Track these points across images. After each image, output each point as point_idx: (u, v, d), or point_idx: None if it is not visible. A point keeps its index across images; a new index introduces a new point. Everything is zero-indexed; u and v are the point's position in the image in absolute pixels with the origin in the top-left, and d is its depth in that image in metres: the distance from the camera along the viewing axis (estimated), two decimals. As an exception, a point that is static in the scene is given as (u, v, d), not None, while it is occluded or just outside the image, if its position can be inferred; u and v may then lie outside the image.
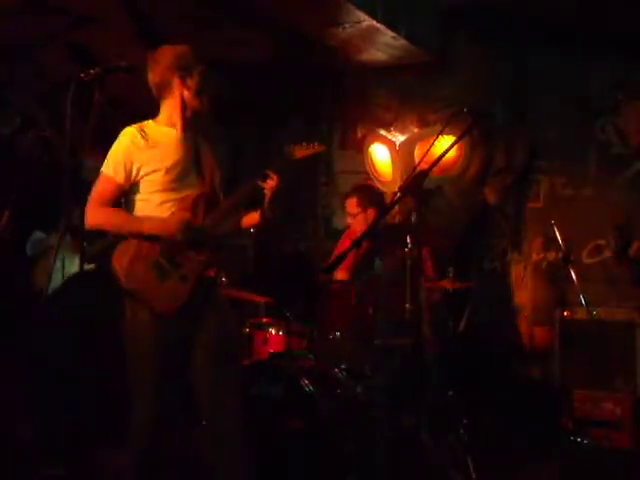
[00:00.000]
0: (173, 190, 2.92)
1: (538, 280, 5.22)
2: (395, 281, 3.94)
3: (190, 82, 2.95)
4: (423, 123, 5.74)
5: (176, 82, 2.95)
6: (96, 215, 2.87)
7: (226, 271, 4.35)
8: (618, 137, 5.04)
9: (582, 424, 4.38)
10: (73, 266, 4.37)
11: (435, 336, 4.34)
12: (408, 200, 3.71)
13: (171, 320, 2.86)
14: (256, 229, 3.14)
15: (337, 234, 5.26)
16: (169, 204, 2.92)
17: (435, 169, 3.17)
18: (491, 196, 5.42)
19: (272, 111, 6.25)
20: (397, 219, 4.82)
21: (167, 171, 2.90)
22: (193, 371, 2.94)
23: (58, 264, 4.27)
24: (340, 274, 4.49)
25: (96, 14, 4.72)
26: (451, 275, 4.29)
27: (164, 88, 2.96)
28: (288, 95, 6.10)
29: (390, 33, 4.96)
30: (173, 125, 2.98)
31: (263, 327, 4.35)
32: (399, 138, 5.82)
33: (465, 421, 4.04)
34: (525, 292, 5.26)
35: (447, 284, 4.33)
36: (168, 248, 2.87)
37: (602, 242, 4.96)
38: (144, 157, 2.89)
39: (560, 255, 4.62)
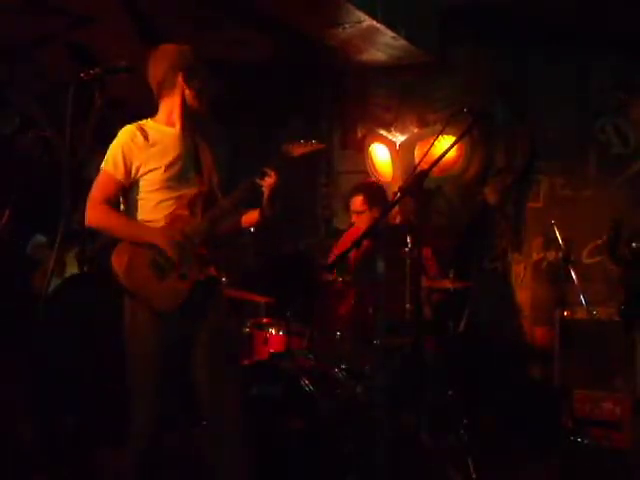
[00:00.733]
0: (172, 188, 2.92)
1: (538, 280, 5.22)
2: (395, 281, 3.94)
3: (193, 82, 2.95)
4: (423, 123, 5.74)
5: (179, 81, 2.95)
6: (97, 214, 2.87)
7: (226, 270, 4.35)
8: (618, 137, 5.04)
9: (582, 424, 4.38)
10: (74, 270, 4.36)
11: (435, 336, 4.34)
12: (408, 200, 3.71)
13: (171, 319, 2.86)
14: (256, 228, 3.14)
15: (337, 234, 5.26)
16: (168, 202, 2.92)
17: (435, 169, 3.17)
18: (491, 196, 5.42)
19: (272, 111, 6.25)
20: (397, 219, 4.81)
21: (166, 169, 2.90)
22: (193, 370, 2.94)
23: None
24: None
25: (96, 14, 4.72)
26: (451, 275, 4.29)
27: (165, 87, 2.96)
28: (288, 95, 6.10)
29: (390, 33, 4.95)
30: (172, 124, 2.98)
31: (263, 327, 4.35)
32: (399, 138, 5.82)
33: (465, 421, 4.04)
34: (525, 292, 5.26)
35: (447, 284, 4.33)
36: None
37: (602, 242, 4.96)
38: (143, 155, 2.89)
39: (560, 255, 4.61)
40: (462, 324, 4.92)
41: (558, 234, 4.53)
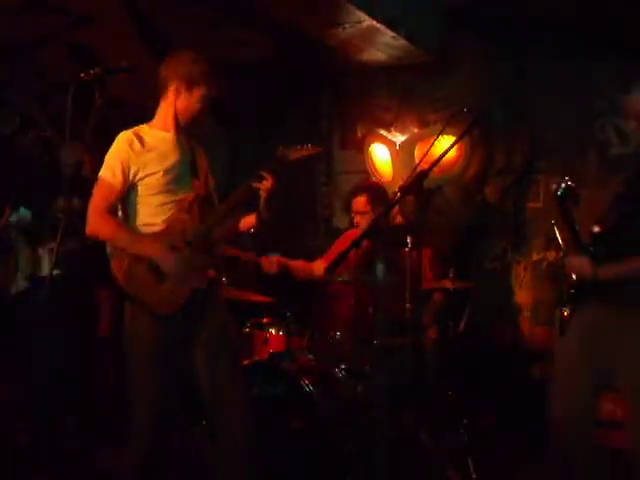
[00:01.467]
0: (170, 192, 2.93)
1: (538, 280, 5.22)
2: (395, 281, 3.93)
3: (185, 95, 2.94)
4: (423, 123, 5.73)
5: (172, 90, 2.95)
6: (98, 224, 2.87)
7: (226, 271, 4.35)
8: (618, 137, 5.04)
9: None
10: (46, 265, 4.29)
11: (435, 336, 4.34)
12: (408, 200, 3.71)
13: (171, 321, 2.86)
14: (255, 230, 3.14)
15: (337, 234, 5.25)
16: (167, 206, 2.93)
17: (435, 169, 3.17)
18: (491, 196, 5.42)
19: (272, 111, 6.25)
20: (397, 219, 4.81)
21: (164, 174, 2.91)
22: (194, 371, 2.94)
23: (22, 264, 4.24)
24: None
25: (96, 14, 4.72)
26: (451, 275, 4.29)
27: (162, 91, 2.98)
28: (288, 95, 6.10)
29: (390, 33, 4.96)
30: (167, 129, 2.99)
31: (263, 327, 4.35)
32: (399, 138, 5.82)
33: (465, 421, 4.04)
34: (525, 292, 5.26)
35: (447, 284, 4.33)
36: None
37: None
38: (141, 160, 2.89)
39: (560, 255, 4.61)
40: (462, 324, 4.92)
41: (558, 234, 4.53)
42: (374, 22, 4.78)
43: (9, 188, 4.51)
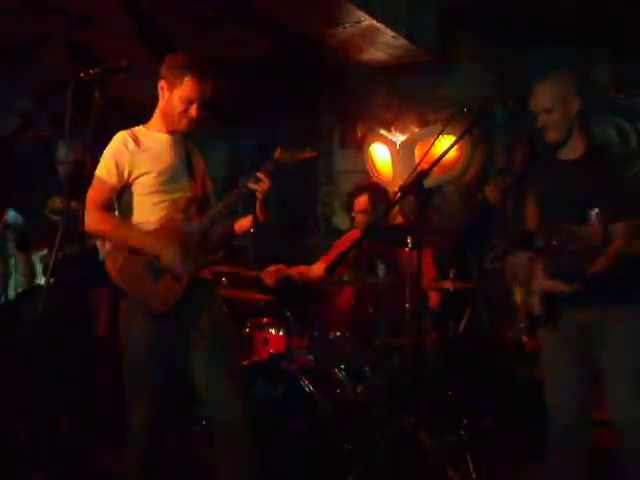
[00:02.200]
0: (165, 192, 2.94)
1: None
2: (395, 281, 3.93)
3: (168, 96, 2.94)
4: (423, 123, 5.73)
5: (160, 91, 2.97)
6: (94, 220, 2.87)
7: (226, 271, 4.36)
8: (618, 137, 5.04)
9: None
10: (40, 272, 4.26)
11: (435, 336, 4.34)
12: (408, 200, 3.71)
13: (166, 320, 2.86)
14: (254, 231, 3.14)
15: (337, 233, 5.25)
16: (162, 205, 2.93)
17: (435, 169, 3.17)
18: (491, 196, 5.41)
19: (272, 111, 6.25)
20: (397, 219, 4.81)
21: (159, 173, 2.92)
22: (192, 372, 2.94)
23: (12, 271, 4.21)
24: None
25: (96, 14, 4.72)
26: (451, 275, 4.29)
27: (159, 93, 2.99)
28: (288, 95, 6.10)
29: (390, 33, 4.96)
30: (162, 130, 3.01)
31: (263, 327, 4.35)
32: (399, 138, 5.82)
33: (465, 421, 4.04)
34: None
35: (447, 284, 4.33)
36: None
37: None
38: (136, 160, 2.91)
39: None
40: (462, 324, 4.92)
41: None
42: (374, 22, 4.78)
43: (9, 188, 4.52)
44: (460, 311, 4.87)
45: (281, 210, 3.14)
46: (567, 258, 2.82)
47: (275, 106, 6.23)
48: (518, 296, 3.09)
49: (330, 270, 2.94)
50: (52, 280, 2.28)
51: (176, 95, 2.92)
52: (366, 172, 5.90)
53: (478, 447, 3.93)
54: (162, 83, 2.95)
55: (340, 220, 6.08)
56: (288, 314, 4.17)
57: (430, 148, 3.21)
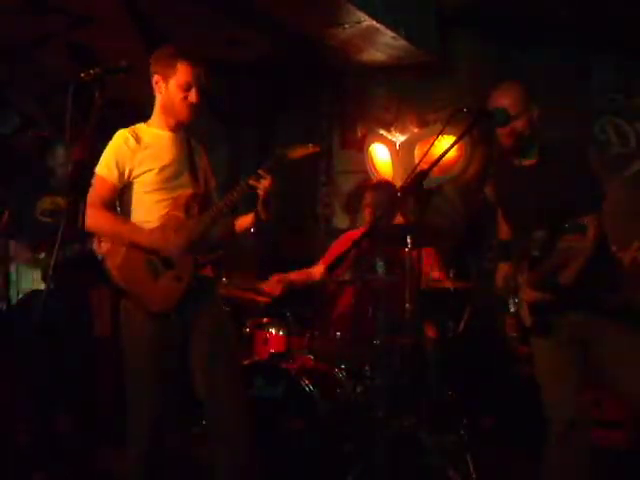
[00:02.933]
0: (166, 190, 2.92)
1: (538, 280, 5.20)
2: (395, 281, 3.93)
3: (165, 89, 2.93)
4: (423, 123, 5.73)
5: (156, 87, 2.96)
6: (94, 218, 2.86)
7: (226, 271, 4.36)
8: (618, 137, 5.04)
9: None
10: (28, 280, 4.24)
11: (435, 336, 4.34)
12: (408, 200, 3.71)
13: (165, 320, 2.86)
14: (255, 229, 3.13)
15: (337, 233, 5.25)
16: (163, 203, 2.92)
17: (435, 169, 3.17)
18: (491, 196, 5.40)
19: (272, 111, 6.25)
20: (397, 219, 4.80)
21: (160, 171, 2.91)
22: (192, 372, 2.93)
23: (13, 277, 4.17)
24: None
25: (96, 14, 4.72)
26: (451, 275, 4.29)
27: (155, 90, 2.98)
28: (288, 95, 6.10)
29: (390, 33, 4.96)
30: (162, 127, 2.99)
31: (263, 327, 4.35)
32: (399, 138, 5.82)
33: (465, 421, 4.04)
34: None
35: (447, 284, 4.33)
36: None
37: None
38: (137, 158, 2.90)
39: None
40: (462, 324, 4.92)
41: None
42: (374, 22, 4.78)
43: (9, 188, 4.51)
44: (460, 311, 4.87)
45: (281, 210, 3.12)
46: (548, 268, 2.82)
47: (275, 106, 6.23)
48: (511, 306, 3.08)
49: (331, 269, 2.94)
50: (53, 282, 2.27)
51: (172, 84, 2.91)
52: (366, 172, 5.90)
53: (478, 447, 3.93)
54: (156, 78, 2.94)
55: (340, 220, 6.08)
56: (288, 314, 4.17)
57: (430, 148, 3.21)
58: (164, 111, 2.97)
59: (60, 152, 4.18)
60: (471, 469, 3.75)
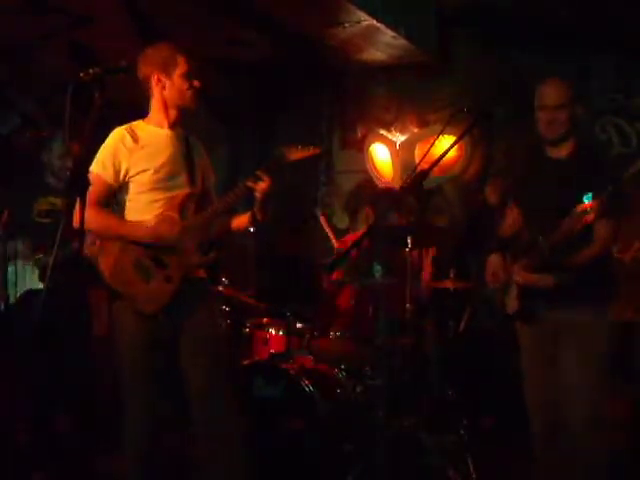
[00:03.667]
0: (162, 190, 2.90)
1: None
2: (395, 281, 3.93)
3: (168, 82, 2.91)
4: (423, 123, 5.74)
5: (155, 84, 2.93)
6: (91, 217, 2.82)
7: (226, 271, 4.35)
8: (619, 137, 5.04)
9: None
10: (26, 280, 4.22)
11: (435, 336, 4.34)
12: (408, 200, 3.71)
13: (157, 320, 2.84)
14: (254, 230, 3.12)
15: (337, 233, 5.25)
16: (158, 203, 2.89)
17: (435, 169, 3.17)
18: (491, 196, 5.41)
19: (272, 111, 6.25)
20: (397, 219, 4.81)
21: (156, 170, 2.88)
22: (184, 372, 2.90)
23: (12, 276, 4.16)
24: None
25: (96, 14, 4.72)
26: (451, 275, 4.29)
27: (147, 87, 2.96)
28: (288, 95, 6.10)
29: (390, 33, 4.96)
30: (161, 124, 2.97)
31: (263, 327, 4.35)
32: (399, 138, 5.82)
33: (465, 421, 4.04)
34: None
35: (447, 284, 4.33)
36: (154, 250, 2.86)
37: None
38: (133, 158, 2.88)
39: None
40: (462, 324, 4.92)
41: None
42: (374, 22, 4.78)
43: (9, 188, 4.51)
44: (460, 311, 4.87)
45: (280, 210, 3.11)
46: (553, 251, 2.84)
47: (275, 106, 6.23)
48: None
49: (330, 269, 2.94)
50: (51, 282, 2.26)
51: (177, 76, 2.90)
52: (366, 172, 5.90)
53: (478, 447, 3.93)
54: (156, 76, 2.91)
55: (340, 220, 6.08)
56: (288, 314, 4.17)
57: (430, 148, 3.22)
58: (168, 106, 2.94)
59: (56, 146, 4.17)
60: (471, 469, 3.75)
